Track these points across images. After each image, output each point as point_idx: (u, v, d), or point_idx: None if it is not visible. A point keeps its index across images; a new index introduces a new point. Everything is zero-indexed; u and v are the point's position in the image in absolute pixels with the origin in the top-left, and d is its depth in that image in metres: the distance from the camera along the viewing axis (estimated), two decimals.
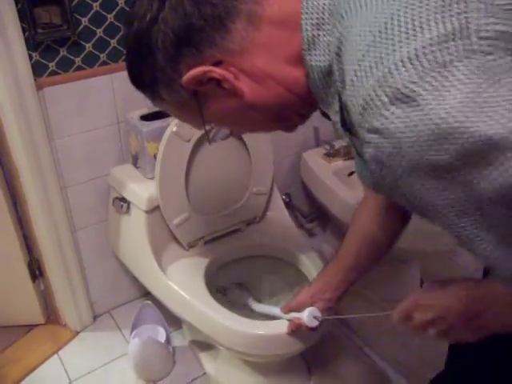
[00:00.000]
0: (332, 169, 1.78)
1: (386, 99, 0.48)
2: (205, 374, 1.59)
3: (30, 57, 1.26)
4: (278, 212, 1.65)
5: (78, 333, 1.74)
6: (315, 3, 0.58)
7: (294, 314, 1.13)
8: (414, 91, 0.47)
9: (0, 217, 1.49)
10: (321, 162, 1.83)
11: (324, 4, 0.58)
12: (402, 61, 0.48)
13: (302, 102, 0.65)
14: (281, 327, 1.17)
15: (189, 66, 0.61)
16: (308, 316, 1.09)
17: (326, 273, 1.12)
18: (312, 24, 0.58)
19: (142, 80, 0.67)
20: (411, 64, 0.47)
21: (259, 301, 1.34)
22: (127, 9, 1.34)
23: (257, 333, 1.20)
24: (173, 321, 1.65)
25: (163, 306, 1.47)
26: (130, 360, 1.55)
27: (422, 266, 1.81)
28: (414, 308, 0.79)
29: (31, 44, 1.25)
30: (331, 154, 1.82)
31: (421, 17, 0.48)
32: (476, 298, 0.72)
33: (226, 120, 0.70)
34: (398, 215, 0.95)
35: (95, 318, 1.79)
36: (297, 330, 1.15)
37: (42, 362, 1.63)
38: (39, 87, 1.30)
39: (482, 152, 0.45)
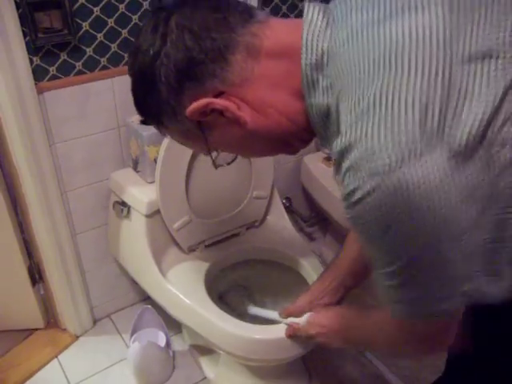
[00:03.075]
0: (332, 173, 1.77)
1: (364, 176, 0.53)
2: (205, 378, 1.59)
3: (31, 61, 1.26)
4: (278, 216, 1.65)
5: (77, 337, 1.74)
6: (314, 44, 0.60)
7: (292, 319, 1.14)
8: (396, 177, 0.51)
9: (0, 221, 1.49)
10: (321, 166, 1.83)
11: (323, 47, 0.60)
12: (386, 148, 0.52)
13: (303, 131, 0.67)
14: (280, 332, 1.17)
15: (192, 98, 0.63)
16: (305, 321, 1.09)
17: (323, 278, 1.13)
18: (311, 66, 0.61)
19: (147, 110, 0.70)
20: (394, 152, 0.51)
21: (259, 305, 1.34)
22: (128, 13, 1.34)
23: (256, 337, 1.20)
24: (173, 325, 1.65)
25: (163, 310, 1.47)
26: (129, 364, 1.55)
27: None
28: (305, 325, 1.08)
29: (32, 48, 1.25)
30: (331, 158, 1.81)
31: (407, 99, 0.52)
32: (346, 320, 0.97)
33: (231, 147, 0.73)
34: None
35: (95, 322, 1.79)
36: (294, 335, 1.15)
37: (42, 367, 1.63)
38: (40, 91, 1.30)
39: None
